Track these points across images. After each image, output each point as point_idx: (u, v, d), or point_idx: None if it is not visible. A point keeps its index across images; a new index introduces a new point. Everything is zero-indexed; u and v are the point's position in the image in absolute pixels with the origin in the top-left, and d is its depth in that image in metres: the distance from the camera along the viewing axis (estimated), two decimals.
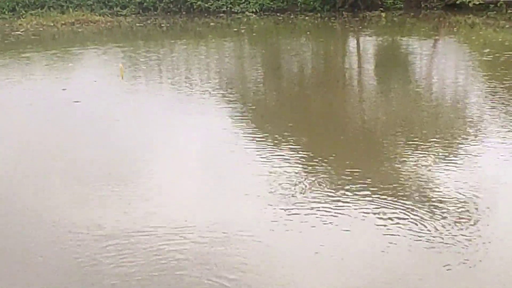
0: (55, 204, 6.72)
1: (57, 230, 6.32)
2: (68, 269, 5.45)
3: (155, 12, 23.94)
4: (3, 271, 5.21)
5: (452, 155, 8.12)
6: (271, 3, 23.98)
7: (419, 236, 5.69)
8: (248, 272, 5.13)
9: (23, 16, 22.85)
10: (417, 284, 4.93)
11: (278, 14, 23.67)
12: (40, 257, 5.72)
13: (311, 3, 24.05)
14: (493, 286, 5.08)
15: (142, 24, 22.17)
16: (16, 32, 20.24)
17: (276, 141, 9.03)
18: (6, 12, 23.27)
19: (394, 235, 5.72)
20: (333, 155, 8.28)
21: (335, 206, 6.28)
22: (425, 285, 4.91)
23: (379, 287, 4.92)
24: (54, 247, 5.73)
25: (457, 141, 8.88)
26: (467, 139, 9.03)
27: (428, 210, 6.13)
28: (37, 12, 23.21)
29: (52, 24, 21.74)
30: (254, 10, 23.58)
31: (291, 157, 8.21)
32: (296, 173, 7.42)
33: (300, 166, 7.77)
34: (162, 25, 21.98)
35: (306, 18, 22.96)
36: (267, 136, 9.51)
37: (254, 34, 20.03)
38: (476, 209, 6.13)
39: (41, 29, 21.06)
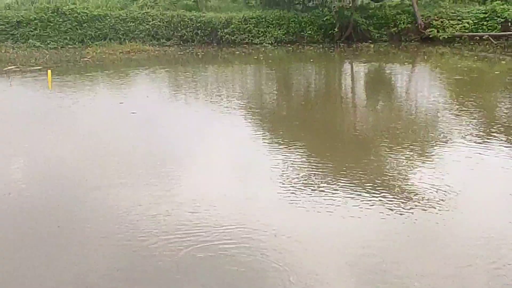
0: (116, 183, 7.05)
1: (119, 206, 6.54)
2: (123, 235, 5.78)
3: (193, 43, 24.02)
4: (77, 239, 5.46)
5: (425, 154, 8.44)
6: (283, 36, 24.08)
7: (389, 212, 6.07)
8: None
9: (90, 46, 22.98)
10: (386, 245, 5.30)
11: (288, 45, 23.72)
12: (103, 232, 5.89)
13: (315, 36, 24.27)
14: (443, 243, 5.46)
15: (182, 53, 22.13)
16: (84, 59, 20.41)
17: (286, 142, 9.22)
18: (77, 43, 23.51)
19: (369, 208, 6.13)
20: (329, 153, 8.66)
21: (330, 190, 6.63)
22: (393, 246, 5.30)
23: (354, 245, 5.29)
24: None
25: (430, 144, 9.12)
26: (437, 142, 9.23)
27: (400, 194, 6.46)
28: (100, 43, 23.39)
29: (112, 52, 21.79)
30: (270, 42, 23.78)
31: (298, 154, 8.46)
32: (301, 165, 7.74)
33: (304, 160, 8.08)
34: (198, 53, 21.87)
35: (311, 48, 23.01)
36: (279, 137, 9.80)
37: (270, 60, 20.13)
38: (442, 195, 6.34)
39: (104, 56, 21.14)
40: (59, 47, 22.98)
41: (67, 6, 24.32)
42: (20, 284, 4.92)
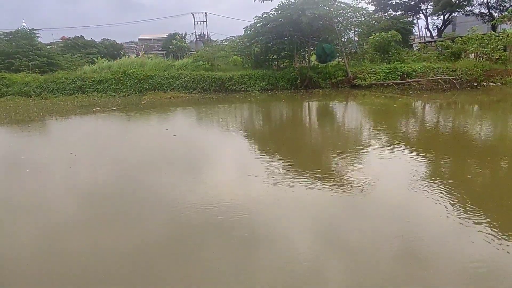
0: (161, 183, 7.15)
1: (163, 200, 6.79)
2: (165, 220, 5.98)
3: (209, 91, 24.26)
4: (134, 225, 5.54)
5: (354, 157, 8.62)
6: (266, 86, 24.21)
7: (329, 191, 6.31)
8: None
9: (145, 94, 23.30)
10: (330, 214, 5.54)
11: (269, 91, 23.69)
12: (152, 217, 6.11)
13: (285, 85, 24.34)
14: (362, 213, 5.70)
15: (203, 97, 22.29)
16: (142, 102, 20.61)
17: (269, 151, 9.55)
18: (137, 93, 23.79)
19: (321, 193, 6.40)
20: (296, 158, 8.85)
21: (298, 182, 6.83)
22: (335, 214, 5.52)
23: (313, 214, 5.49)
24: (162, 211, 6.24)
25: (357, 150, 9.27)
26: (362, 149, 9.40)
27: (339, 184, 6.67)
28: (151, 92, 23.67)
29: (159, 98, 21.97)
30: (257, 89, 23.88)
31: (277, 158, 8.73)
32: (279, 166, 7.93)
33: (281, 163, 8.27)
34: (213, 97, 22.05)
35: (283, 93, 22.99)
36: (264, 148, 10.10)
37: (258, 101, 20.32)
38: (363, 184, 6.50)
39: (154, 100, 21.28)
40: (126, 95, 23.26)
41: (131, 70, 24.81)
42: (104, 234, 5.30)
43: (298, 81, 24.29)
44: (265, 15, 25.69)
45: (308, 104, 19.37)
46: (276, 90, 24.02)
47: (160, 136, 12.02)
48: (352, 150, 9.45)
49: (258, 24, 25.81)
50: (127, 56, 34.76)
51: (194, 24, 62.75)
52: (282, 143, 10.76)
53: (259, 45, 26.27)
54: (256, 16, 26.02)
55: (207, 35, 52.95)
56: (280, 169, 7.61)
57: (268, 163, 8.13)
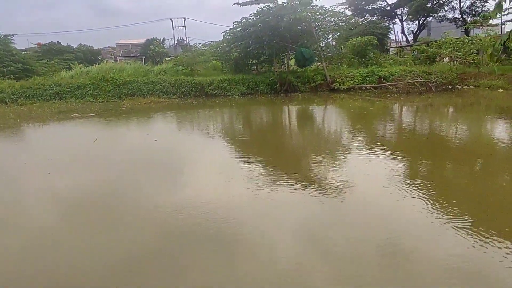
0: (143, 188, 7.13)
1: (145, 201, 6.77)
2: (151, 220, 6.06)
3: (189, 96, 24.12)
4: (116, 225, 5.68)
5: (334, 160, 8.74)
6: (245, 90, 24.33)
7: (309, 193, 6.40)
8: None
9: (124, 100, 23.05)
10: (311, 216, 5.58)
11: (249, 96, 23.82)
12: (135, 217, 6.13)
13: (265, 90, 24.45)
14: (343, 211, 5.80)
15: (183, 102, 22.23)
16: (121, 108, 20.42)
17: (248, 156, 9.50)
18: (116, 98, 23.43)
19: (302, 194, 6.45)
20: (277, 161, 8.87)
21: (278, 184, 6.95)
22: (318, 214, 5.57)
23: (295, 214, 5.59)
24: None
25: (337, 153, 9.43)
26: (341, 151, 9.52)
27: (320, 186, 6.75)
28: (131, 98, 23.43)
29: (139, 103, 21.84)
30: (237, 94, 24.03)
31: (257, 162, 8.75)
32: (260, 169, 7.99)
33: (262, 166, 8.27)
34: (193, 102, 22.01)
35: (263, 97, 23.14)
36: (244, 152, 10.11)
37: (238, 105, 20.37)
38: (343, 186, 6.61)
39: (133, 105, 21.16)
40: (105, 101, 22.95)
41: (110, 75, 24.52)
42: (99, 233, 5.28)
43: (278, 85, 24.43)
44: (244, 20, 25.84)
45: (288, 108, 19.49)
46: (256, 94, 24.12)
47: (141, 141, 11.92)
48: (332, 152, 9.56)
49: (237, 29, 25.93)
50: (105, 62, 34.37)
51: (173, 29, 62.66)
52: (263, 147, 10.80)
53: (239, 50, 26.34)
54: (235, 21, 26.18)
55: (186, 40, 52.94)
56: (261, 173, 7.62)
57: (249, 167, 8.13)
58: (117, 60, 43.49)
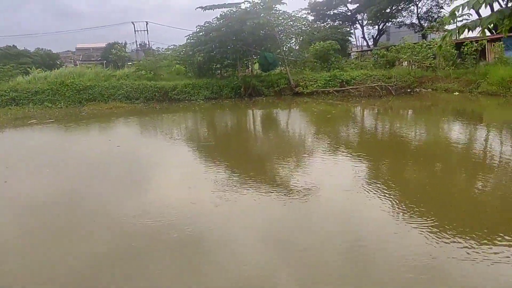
0: (105, 195, 7.01)
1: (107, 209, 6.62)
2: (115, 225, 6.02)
3: (153, 101, 23.70)
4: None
5: (299, 163, 8.78)
6: (210, 94, 24.16)
7: (274, 196, 6.41)
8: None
9: (85, 105, 22.53)
10: (276, 219, 5.54)
11: (213, 100, 23.65)
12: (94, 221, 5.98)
13: (229, 94, 24.36)
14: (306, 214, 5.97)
15: (146, 107, 21.88)
16: (82, 113, 19.99)
17: (213, 160, 9.48)
18: (76, 103, 22.89)
19: (269, 198, 6.44)
20: (242, 166, 8.84)
21: (243, 188, 6.93)
22: (282, 219, 5.54)
23: (262, 218, 5.62)
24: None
25: (301, 156, 9.49)
26: (306, 154, 9.56)
27: (286, 189, 6.80)
28: (92, 103, 22.89)
29: (100, 109, 21.44)
30: (201, 98, 23.83)
31: (222, 167, 8.73)
32: (225, 174, 7.96)
33: (227, 170, 8.27)
34: (156, 107, 21.69)
35: (227, 101, 23.05)
36: (208, 157, 10.06)
37: (202, 110, 20.26)
38: (307, 189, 6.65)
39: (95, 111, 20.72)
40: (65, 107, 22.35)
41: (69, 80, 23.89)
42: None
43: (242, 89, 24.44)
44: (207, 24, 25.85)
45: (253, 112, 19.55)
46: (220, 98, 24.03)
47: (103, 147, 11.68)
48: (297, 156, 9.64)
49: (201, 33, 25.89)
50: (64, 66, 33.47)
51: (135, 33, 61.67)
52: (228, 151, 10.78)
53: (202, 54, 26.21)
54: (198, 25, 26.17)
55: (149, 45, 52.25)
56: (226, 177, 7.58)
57: (214, 171, 8.08)
58: (77, 65, 42.35)
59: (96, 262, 4.52)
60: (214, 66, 28.06)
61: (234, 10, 24.72)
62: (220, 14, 25.18)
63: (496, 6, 23.22)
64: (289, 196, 6.35)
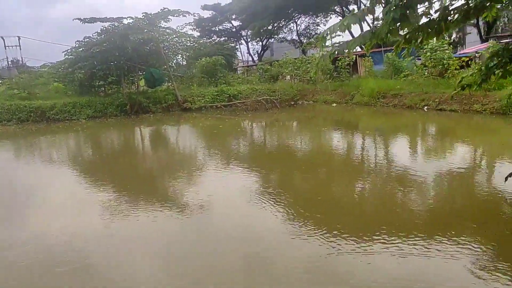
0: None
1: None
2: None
3: (28, 122, 21.86)
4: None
5: (191, 178, 8.88)
6: (93, 113, 22.88)
7: (168, 214, 6.29)
8: None
9: None
10: (171, 238, 5.70)
11: (97, 119, 22.43)
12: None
13: (114, 112, 23.35)
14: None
15: (20, 129, 20.05)
16: None
17: (100, 183, 9.03)
18: None
19: (159, 214, 6.22)
20: (129, 186, 8.53)
21: (130, 212, 6.79)
22: (177, 237, 5.56)
23: (157, 234, 5.84)
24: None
25: (194, 172, 9.52)
26: (196, 171, 9.60)
27: (177, 207, 6.73)
28: None
29: None
30: (84, 118, 22.48)
31: (109, 189, 8.32)
32: (112, 197, 7.66)
33: (115, 192, 7.94)
34: (33, 129, 20.00)
35: (112, 120, 22.15)
36: (94, 180, 9.53)
37: (85, 130, 19.16)
38: (201, 204, 6.64)
39: None
40: None
41: None
42: None
43: (128, 107, 23.60)
44: (87, 39, 24.69)
45: (140, 129, 19.17)
46: (104, 117, 22.94)
47: None
48: (188, 171, 9.65)
49: (80, 49, 24.62)
50: None
51: (5, 48, 56.43)
52: (116, 172, 10.28)
53: (83, 71, 24.88)
54: (78, 41, 24.88)
55: (22, 61, 48.22)
56: (116, 199, 7.31)
57: (102, 194, 7.74)
58: None
59: None
60: (97, 83, 26.85)
61: (117, 25, 24.01)
62: (101, 28, 24.30)
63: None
64: (184, 213, 6.33)
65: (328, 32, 4.65)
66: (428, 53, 19.53)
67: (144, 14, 23.78)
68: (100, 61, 24.01)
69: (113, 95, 25.50)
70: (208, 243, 5.17)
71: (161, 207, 6.66)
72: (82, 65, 24.22)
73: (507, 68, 4.93)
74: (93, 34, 24.66)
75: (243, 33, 53.45)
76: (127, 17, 23.84)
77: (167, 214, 6.30)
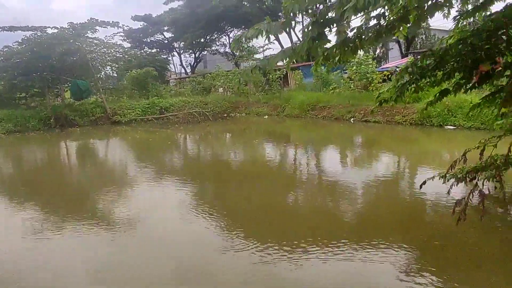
0: None
1: None
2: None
3: None
4: None
5: (121, 194, 8.48)
6: (13, 127, 21.24)
7: (97, 232, 6.01)
8: None
9: None
10: (100, 256, 5.63)
11: (17, 133, 20.90)
12: None
13: (37, 126, 22.10)
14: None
15: None
16: None
17: (19, 203, 8.53)
18: None
19: (88, 233, 6.27)
20: (55, 204, 7.97)
21: (55, 231, 6.53)
22: (106, 255, 5.41)
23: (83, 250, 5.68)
24: None
25: (124, 187, 9.16)
26: (126, 186, 9.19)
27: (106, 224, 6.35)
28: None
29: None
30: (2, 132, 20.58)
31: (32, 208, 7.87)
32: (36, 216, 7.20)
33: (38, 212, 7.48)
34: None
35: (34, 134, 20.88)
36: (12, 199, 8.93)
37: (2, 146, 17.84)
38: (131, 220, 6.43)
39: None
40: None
41: None
42: None
43: (52, 120, 22.49)
44: (6, 49, 23.33)
45: (66, 144, 18.28)
46: (26, 131, 21.47)
47: None
48: (118, 187, 9.28)
49: None
50: None
51: None
52: (39, 190, 9.43)
53: (2, 82, 23.43)
54: None
55: None
56: (39, 219, 6.84)
57: (23, 214, 7.23)
58: None
59: None
60: (18, 95, 25.36)
61: (40, 34, 22.94)
62: (22, 37, 23.08)
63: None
64: (114, 230, 6.08)
65: (242, 37, 4.66)
66: (354, 67, 20.51)
67: (69, 24, 23.02)
68: (22, 72, 22.71)
69: (36, 108, 24.20)
70: (136, 260, 5.00)
71: (88, 225, 6.32)
72: (0, 76, 22.79)
73: (419, 84, 5.26)
74: (14, 44, 23.42)
75: (176, 45, 53.02)
76: (52, 27, 22.99)
77: (94, 233, 5.96)
